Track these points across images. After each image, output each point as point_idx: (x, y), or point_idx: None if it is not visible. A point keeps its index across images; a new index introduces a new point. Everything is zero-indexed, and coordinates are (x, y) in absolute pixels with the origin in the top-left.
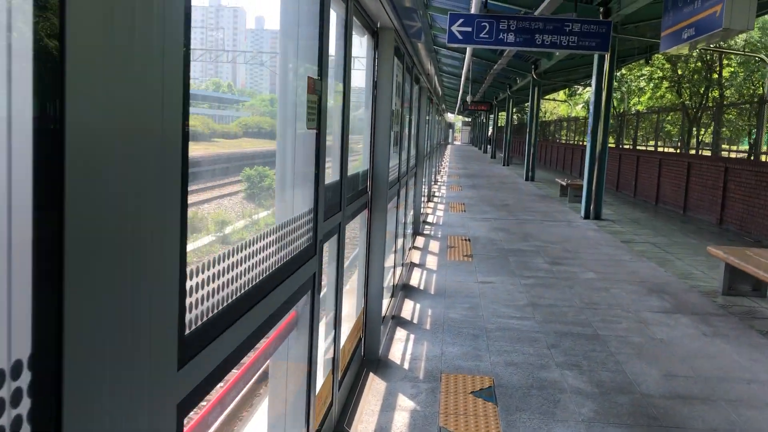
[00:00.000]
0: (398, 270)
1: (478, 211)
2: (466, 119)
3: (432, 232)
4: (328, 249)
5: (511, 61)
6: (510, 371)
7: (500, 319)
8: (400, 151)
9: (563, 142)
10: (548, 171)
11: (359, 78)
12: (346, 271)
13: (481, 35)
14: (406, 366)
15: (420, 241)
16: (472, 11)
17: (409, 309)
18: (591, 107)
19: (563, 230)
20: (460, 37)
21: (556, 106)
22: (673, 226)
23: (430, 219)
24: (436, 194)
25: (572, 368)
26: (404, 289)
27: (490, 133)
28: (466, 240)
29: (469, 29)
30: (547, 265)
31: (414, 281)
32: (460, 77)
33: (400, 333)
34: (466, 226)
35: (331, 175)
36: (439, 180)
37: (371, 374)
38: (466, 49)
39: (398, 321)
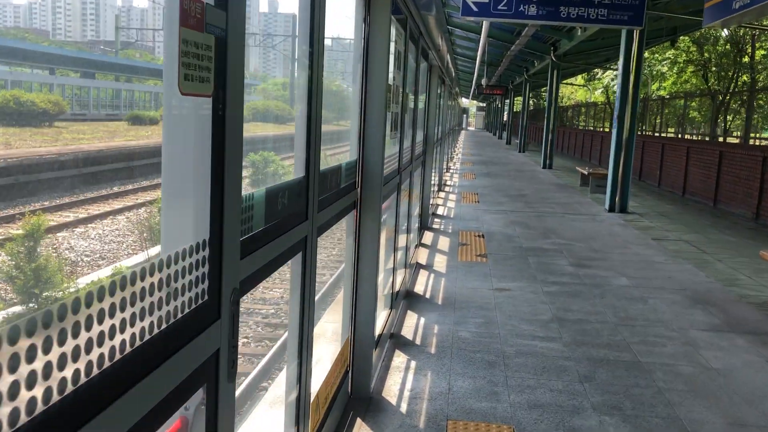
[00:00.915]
0: (401, 274)
1: (493, 202)
2: (481, 104)
3: (442, 227)
4: (292, 269)
5: (529, 42)
6: (534, 417)
7: (521, 340)
8: (401, 137)
9: (581, 128)
10: (566, 158)
11: (341, 44)
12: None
13: (500, 7)
14: (403, 408)
15: (428, 237)
16: None
17: (411, 325)
18: (618, 90)
19: (587, 225)
20: (475, 9)
21: (573, 91)
22: (705, 221)
23: (440, 211)
24: (448, 183)
25: (613, 412)
26: (408, 298)
27: (505, 119)
28: (479, 236)
29: (486, 0)
30: (572, 268)
31: (419, 287)
32: (475, 60)
33: (399, 359)
34: (480, 220)
35: (293, 171)
36: (452, 167)
37: (358, 421)
38: (481, 28)
39: (397, 341)
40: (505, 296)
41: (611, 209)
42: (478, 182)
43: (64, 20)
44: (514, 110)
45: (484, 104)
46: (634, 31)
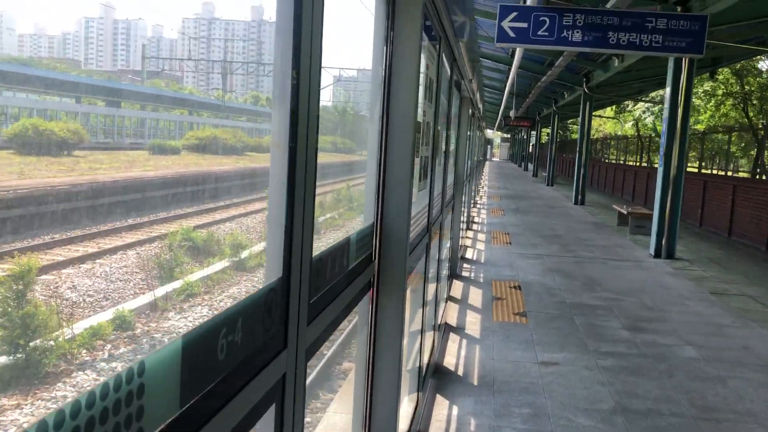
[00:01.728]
0: (429, 339)
1: (526, 243)
2: (505, 135)
3: (472, 274)
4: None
5: (561, 72)
6: None
7: None
8: (431, 186)
9: (612, 161)
10: (596, 193)
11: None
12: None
13: (540, 33)
14: None
15: (457, 288)
16: (528, 2)
17: (441, 418)
18: (664, 125)
19: (634, 274)
20: (512, 35)
21: (601, 123)
22: (764, 270)
23: (469, 254)
24: (476, 220)
25: None
26: (437, 375)
27: (531, 151)
28: (515, 287)
29: (525, 25)
30: (627, 333)
31: (450, 358)
32: (501, 91)
33: None
34: (514, 266)
35: (268, 264)
36: (479, 202)
37: None
38: (511, 58)
39: None
40: (554, 373)
41: (657, 254)
42: (507, 219)
43: (96, 50)
44: (541, 142)
45: (509, 135)
46: (683, 60)
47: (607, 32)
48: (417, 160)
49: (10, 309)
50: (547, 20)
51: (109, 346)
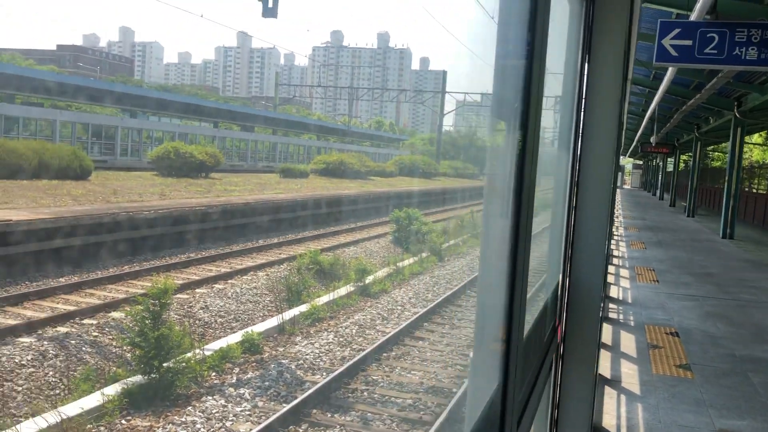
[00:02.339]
0: None
1: (675, 281)
2: (638, 162)
3: (621, 316)
4: None
5: (710, 96)
6: None
7: None
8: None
9: (762, 192)
10: (744, 226)
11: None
12: None
13: (707, 50)
14: None
15: (607, 332)
16: (693, 18)
17: None
18: None
19: None
20: (674, 53)
21: (747, 150)
22: None
23: (614, 292)
24: (615, 253)
25: None
26: None
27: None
28: (672, 334)
29: (689, 43)
30: None
31: (609, 421)
32: (638, 116)
33: None
34: (666, 308)
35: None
36: (615, 233)
37: None
38: (654, 78)
39: None
40: None
41: None
42: (650, 254)
43: (233, 78)
44: (678, 169)
45: (641, 161)
46: None
47: None
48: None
49: (146, 329)
50: (716, 37)
51: (237, 369)
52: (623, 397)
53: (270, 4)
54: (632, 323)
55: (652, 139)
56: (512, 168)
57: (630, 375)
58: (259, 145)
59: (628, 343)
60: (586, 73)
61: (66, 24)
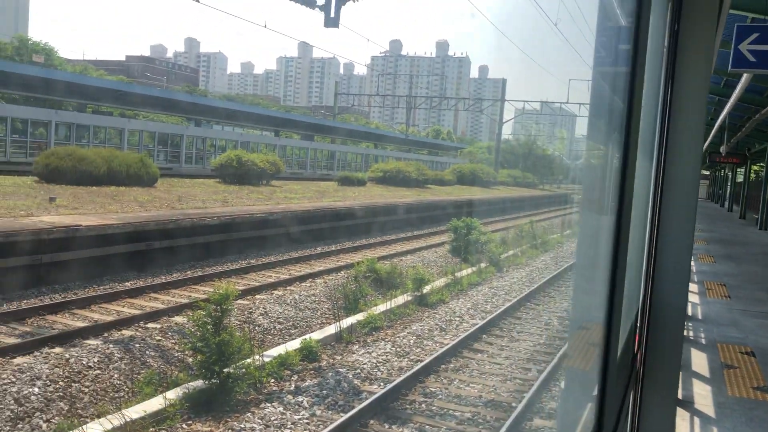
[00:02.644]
0: None
1: (749, 298)
2: (704, 172)
3: (691, 333)
4: None
5: None
6: None
7: None
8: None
9: None
10: None
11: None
12: None
13: None
14: None
15: None
16: None
17: None
18: None
19: None
20: (752, 59)
21: None
22: None
23: None
24: None
25: None
26: None
27: (738, 190)
28: (748, 354)
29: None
30: None
31: None
32: (709, 125)
33: None
34: (740, 326)
35: None
36: None
37: None
38: (725, 86)
39: None
40: None
41: None
42: (720, 268)
43: (294, 87)
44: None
45: (708, 172)
46: None
47: None
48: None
49: (208, 335)
50: None
51: (295, 377)
52: (697, 420)
53: (332, 14)
54: (703, 341)
55: (722, 149)
56: (612, 189)
57: (703, 396)
58: (318, 153)
59: (700, 361)
60: (671, 85)
61: (135, 35)
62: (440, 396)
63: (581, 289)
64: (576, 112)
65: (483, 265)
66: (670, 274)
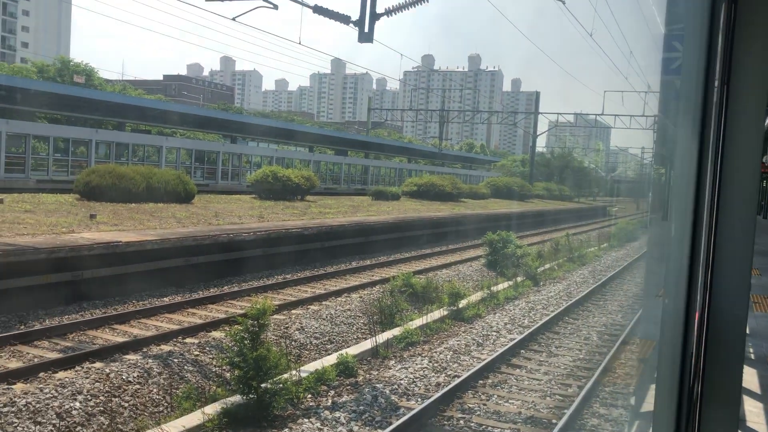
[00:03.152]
0: None
1: None
2: None
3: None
4: None
5: None
6: None
7: None
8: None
9: None
10: None
11: None
12: None
13: None
14: None
15: None
16: None
17: None
18: None
19: None
20: None
21: None
22: None
23: None
24: None
25: None
26: None
27: None
28: None
29: None
30: None
31: None
32: None
33: None
34: None
35: None
36: None
37: None
38: None
39: None
40: None
41: None
42: (766, 280)
43: (327, 103)
44: None
45: None
46: None
47: None
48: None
49: (245, 350)
50: None
51: (332, 392)
52: None
53: (366, 29)
54: (752, 356)
55: (765, 159)
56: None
57: (756, 414)
58: (352, 168)
59: (750, 378)
60: (726, 88)
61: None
62: (478, 412)
63: (650, 307)
64: (611, 123)
65: (519, 278)
66: (729, 284)
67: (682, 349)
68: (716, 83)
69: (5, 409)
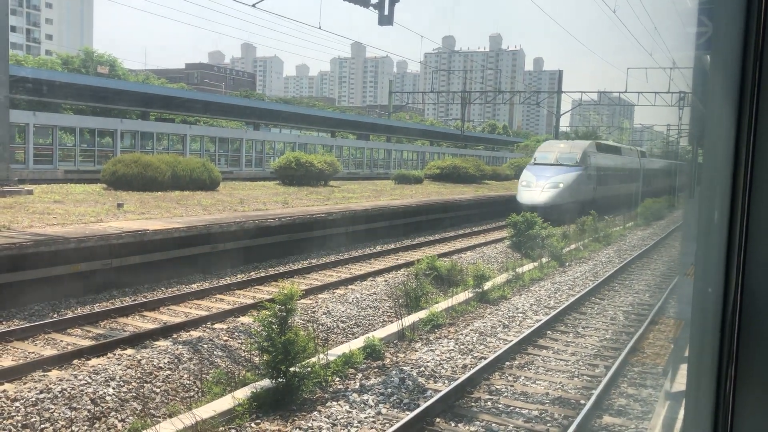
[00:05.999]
0: None
1: None
2: None
3: None
4: None
5: None
6: None
7: None
8: None
9: None
10: None
11: None
12: None
13: None
14: None
15: None
16: None
17: None
18: None
19: None
20: None
21: None
22: None
23: None
24: None
25: None
26: None
27: None
28: None
29: None
30: None
31: None
32: None
33: None
34: None
35: None
36: None
37: None
38: None
39: None
40: None
41: None
42: None
43: (348, 88)
44: None
45: None
46: None
47: None
48: None
49: (273, 334)
50: None
51: (360, 375)
52: None
53: (386, 12)
54: None
55: None
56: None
57: None
58: (374, 152)
59: None
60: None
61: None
62: (506, 393)
63: (700, 290)
64: (634, 101)
65: (544, 260)
66: (764, 263)
67: (715, 330)
68: (751, 59)
69: (41, 396)
